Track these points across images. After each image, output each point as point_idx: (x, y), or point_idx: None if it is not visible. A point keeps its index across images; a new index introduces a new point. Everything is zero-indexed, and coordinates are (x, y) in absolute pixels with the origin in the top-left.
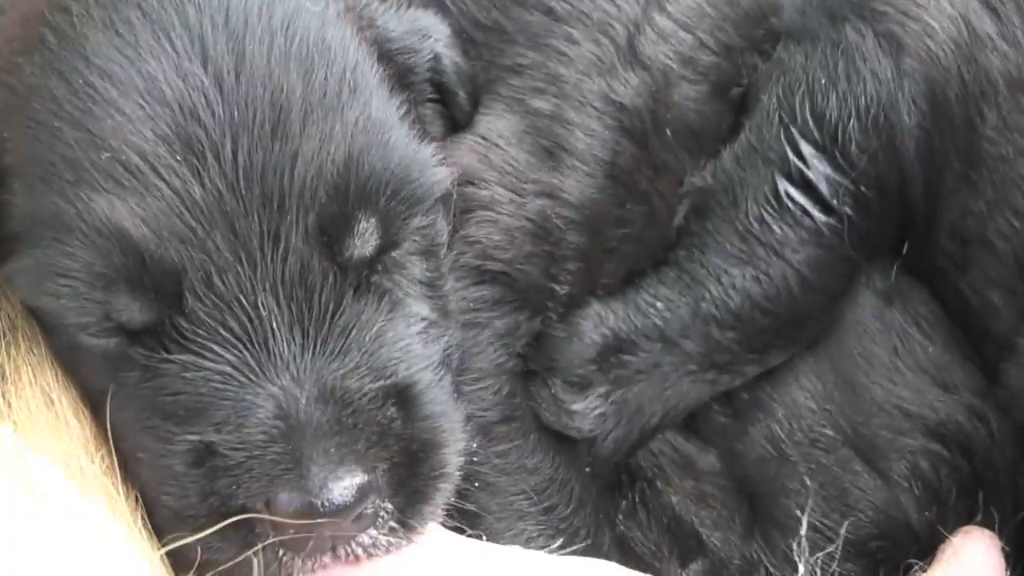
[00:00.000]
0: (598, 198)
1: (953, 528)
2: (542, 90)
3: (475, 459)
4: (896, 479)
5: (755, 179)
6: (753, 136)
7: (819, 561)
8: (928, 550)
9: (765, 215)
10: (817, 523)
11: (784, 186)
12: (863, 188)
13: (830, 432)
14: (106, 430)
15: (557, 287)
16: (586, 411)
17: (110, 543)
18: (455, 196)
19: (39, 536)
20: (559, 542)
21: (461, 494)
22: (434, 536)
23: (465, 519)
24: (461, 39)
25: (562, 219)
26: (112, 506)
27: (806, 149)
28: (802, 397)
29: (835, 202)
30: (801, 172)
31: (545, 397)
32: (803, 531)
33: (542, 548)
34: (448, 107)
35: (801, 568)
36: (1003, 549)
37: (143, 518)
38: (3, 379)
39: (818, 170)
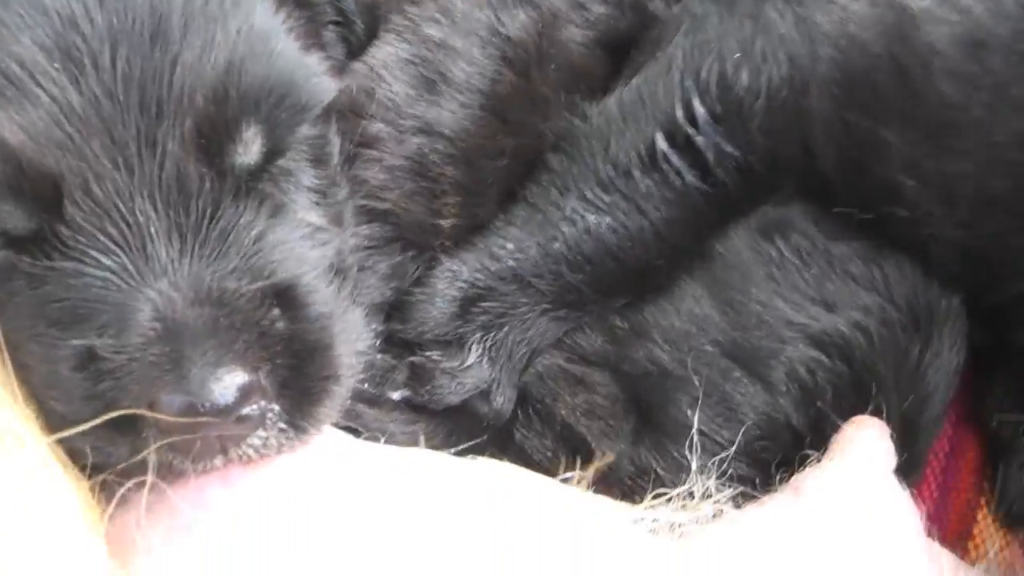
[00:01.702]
0: (472, 129)
1: (836, 423)
2: (436, 20)
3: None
4: (775, 384)
5: (633, 131)
6: (645, 87)
7: (714, 464)
8: (818, 444)
9: (633, 169)
10: (704, 429)
11: (662, 145)
12: (754, 162)
13: (709, 348)
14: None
15: (442, 222)
16: (477, 362)
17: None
18: (348, 123)
19: None
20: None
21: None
22: (331, 437)
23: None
24: None
25: (439, 154)
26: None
27: (700, 115)
28: (679, 321)
29: (719, 171)
30: (686, 135)
31: (436, 377)
32: (694, 430)
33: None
34: (345, 33)
35: (694, 464)
36: (891, 436)
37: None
38: None
39: (709, 138)
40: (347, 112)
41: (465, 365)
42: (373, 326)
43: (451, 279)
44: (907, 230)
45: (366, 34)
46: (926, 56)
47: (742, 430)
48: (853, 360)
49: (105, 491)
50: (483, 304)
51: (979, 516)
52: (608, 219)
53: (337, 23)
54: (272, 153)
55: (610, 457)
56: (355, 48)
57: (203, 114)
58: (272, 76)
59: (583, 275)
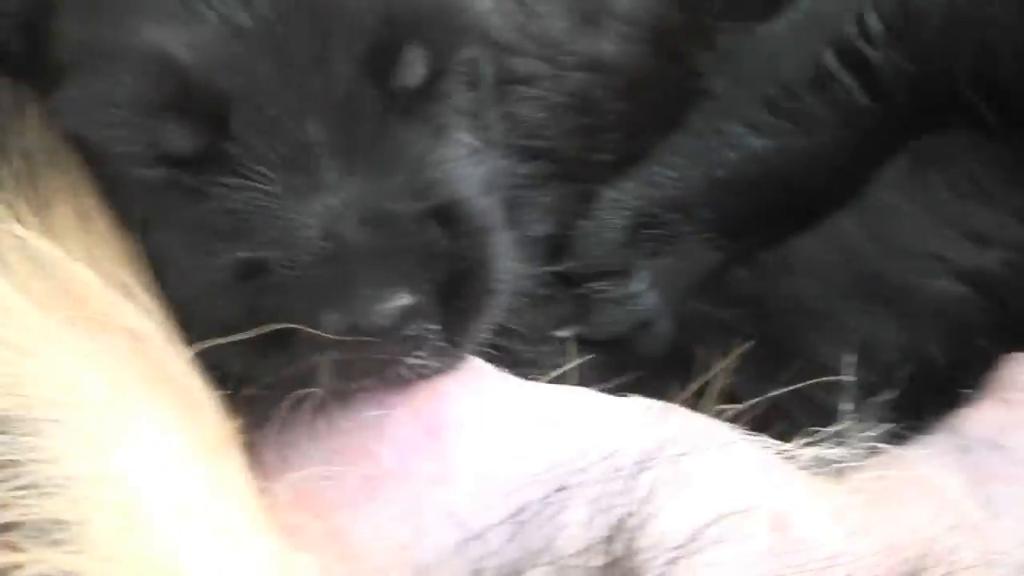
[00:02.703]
0: (639, 62)
1: (985, 360)
2: None
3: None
4: (920, 320)
5: (802, 50)
6: (815, 4)
7: (855, 406)
8: (966, 382)
9: (801, 90)
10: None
11: (833, 63)
12: (931, 77)
13: (851, 281)
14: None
15: (602, 156)
16: (644, 289)
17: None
18: (496, 59)
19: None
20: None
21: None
22: (489, 370)
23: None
24: None
25: (605, 89)
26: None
27: (875, 29)
28: (826, 253)
29: (892, 89)
30: (859, 52)
31: (604, 307)
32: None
33: None
34: None
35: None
36: None
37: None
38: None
39: (883, 53)
40: (496, 47)
41: (634, 293)
42: (537, 262)
43: (615, 208)
44: None
45: None
46: None
47: (884, 370)
48: (1004, 298)
49: (251, 406)
50: (648, 231)
51: None
52: (774, 143)
53: None
54: (433, 75)
55: (711, 373)
56: None
57: (373, 37)
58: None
59: (748, 202)
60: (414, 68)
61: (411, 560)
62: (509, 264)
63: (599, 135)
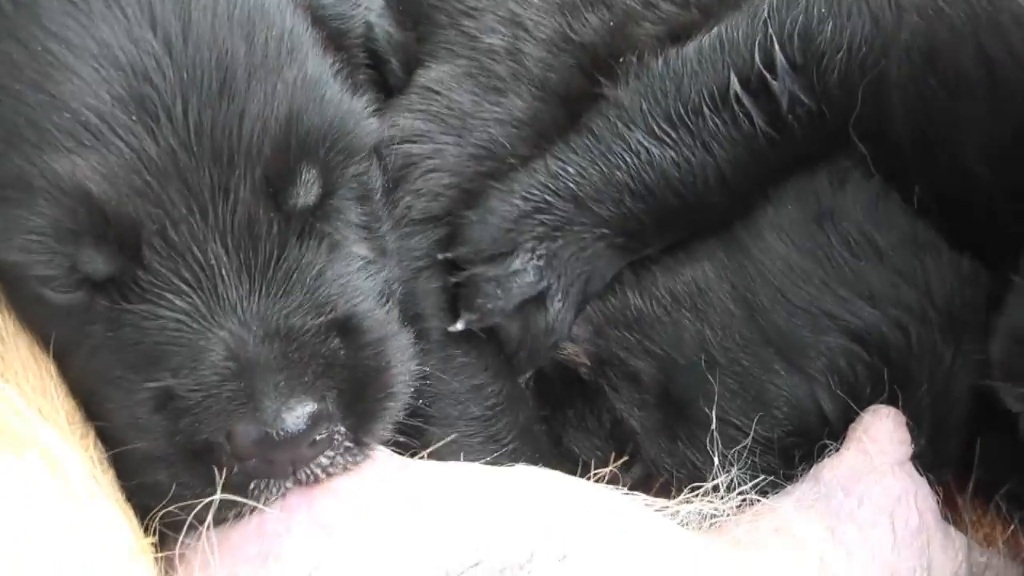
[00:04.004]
0: (545, 118)
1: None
2: (497, 29)
3: (427, 380)
4: (813, 374)
5: (709, 73)
6: (726, 33)
7: (735, 455)
8: (839, 433)
9: (705, 108)
10: (735, 421)
11: (736, 86)
12: (827, 113)
13: (754, 335)
14: (70, 382)
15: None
16: (523, 267)
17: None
18: (394, 153)
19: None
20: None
21: (412, 412)
22: (383, 458)
23: (411, 434)
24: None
25: (509, 137)
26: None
27: (780, 61)
28: (733, 306)
29: (790, 118)
30: (761, 80)
31: (484, 288)
32: (713, 426)
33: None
34: (382, 73)
35: (715, 460)
36: (907, 424)
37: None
38: None
39: (785, 85)
40: (396, 142)
41: (510, 270)
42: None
43: (504, 196)
44: (966, 217)
45: (403, 71)
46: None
47: (774, 423)
48: (890, 358)
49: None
50: (539, 216)
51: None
52: (673, 153)
53: (368, 66)
54: (326, 193)
55: (636, 466)
56: (394, 85)
57: (270, 162)
58: (326, 122)
59: (644, 205)
60: (309, 188)
61: None
62: (407, 367)
63: (501, 174)
